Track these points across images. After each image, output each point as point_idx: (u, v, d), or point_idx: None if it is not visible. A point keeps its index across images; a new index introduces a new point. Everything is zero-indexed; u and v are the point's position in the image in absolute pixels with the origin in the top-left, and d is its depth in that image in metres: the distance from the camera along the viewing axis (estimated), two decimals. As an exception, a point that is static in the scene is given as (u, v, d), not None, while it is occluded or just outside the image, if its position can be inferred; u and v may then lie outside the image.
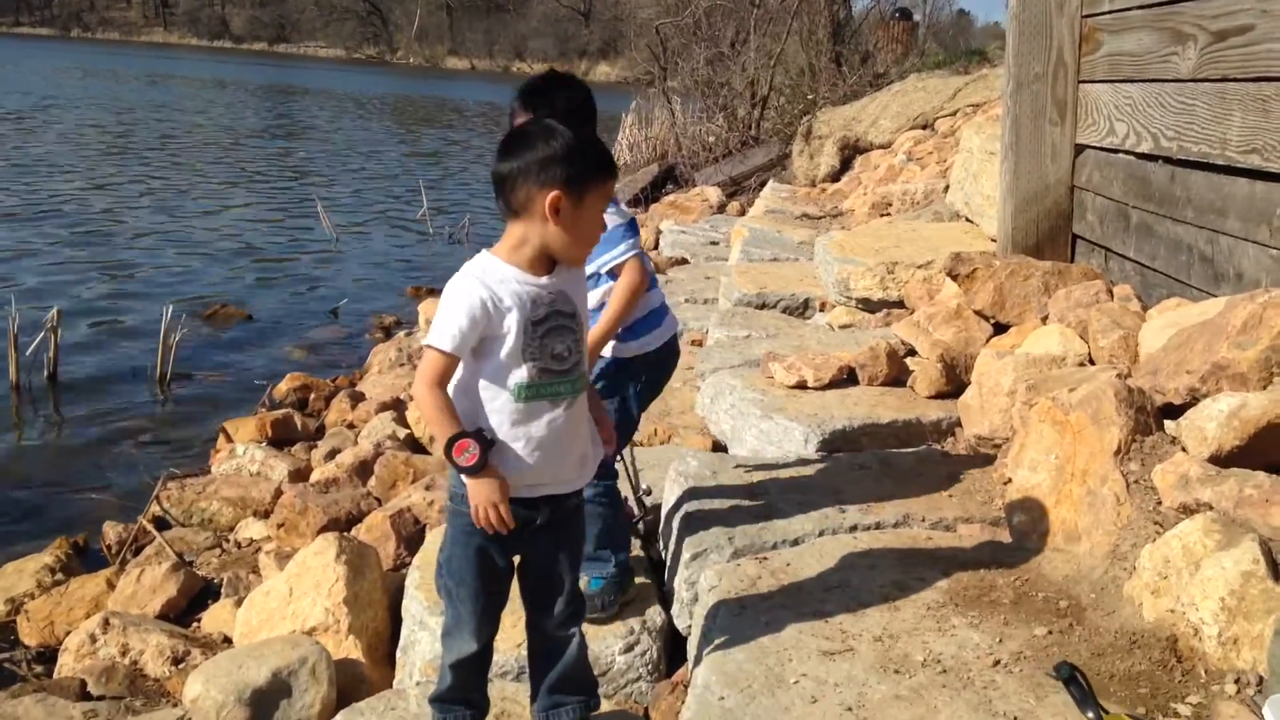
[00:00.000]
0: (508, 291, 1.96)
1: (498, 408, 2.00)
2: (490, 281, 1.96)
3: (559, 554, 2.14)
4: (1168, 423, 2.54)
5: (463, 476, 1.98)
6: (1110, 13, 4.14)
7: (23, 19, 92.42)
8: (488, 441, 1.96)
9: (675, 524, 2.90)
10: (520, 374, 1.98)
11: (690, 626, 2.56)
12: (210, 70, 51.07)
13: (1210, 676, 1.91)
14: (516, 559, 2.14)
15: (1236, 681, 1.87)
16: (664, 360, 2.79)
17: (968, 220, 5.97)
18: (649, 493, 3.32)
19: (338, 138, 24.89)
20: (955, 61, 12.35)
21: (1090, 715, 1.74)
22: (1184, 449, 2.36)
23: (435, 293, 9.44)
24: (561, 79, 2.69)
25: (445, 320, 1.94)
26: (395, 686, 2.80)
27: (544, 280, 2.00)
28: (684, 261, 8.16)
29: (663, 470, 3.30)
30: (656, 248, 9.31)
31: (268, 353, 7.73)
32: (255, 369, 7.24)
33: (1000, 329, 3.98)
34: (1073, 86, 4.37)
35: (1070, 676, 1.79)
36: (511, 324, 1.96)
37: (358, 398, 6.07)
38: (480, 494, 1.96)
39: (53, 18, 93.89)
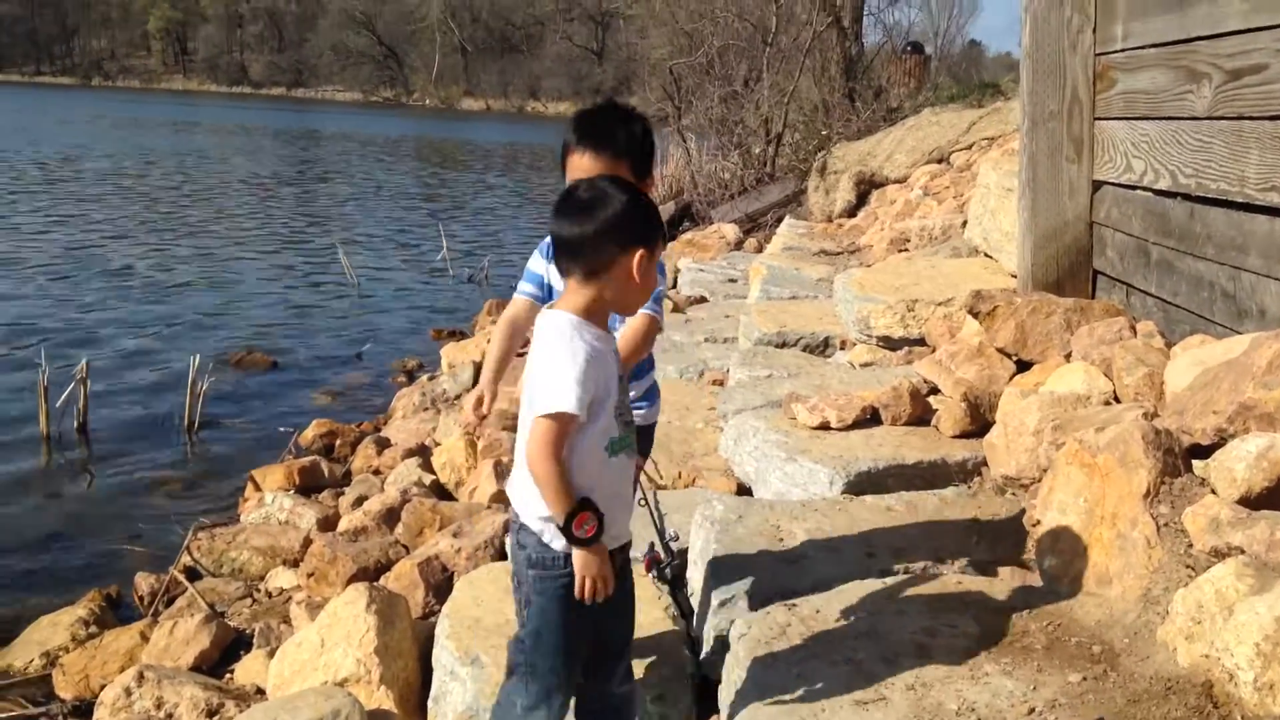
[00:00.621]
0: (603, 347, 2.02)
1: (594, 467, 2.00)
2: (589, 338, 1.99)
3: (629, 609, 2.18)
4: (1196, 463, 2.54)
5: (572, 549, 1.98)
6: (1124, 50, 4.17)
7: (44, 68, 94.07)
8: (599, 512, 1.97)
9: (703, 570, 2.91)
10: (614, 430, 2.03)
11: (720, 675, 2.57)
12: (231, 117, 51.78)
13: (1247, 722, 1.90)
14: None
15: (1274, 727, 1.87)
16: (648, 438, 2.82)
17: (987, 256, 5.98)
18: (675, 538, 3.33)
19: (357, 181, 25.14)
20: (969, 95, 12.40)
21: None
22: (1213, 491, 2.36)
23: (456, 335, 9.52)
24: (620, 112, 2.60)
25: (563, 382, 1.93)
26: (428, 738, 2.82)
27: (607, 336, 2.07)
28: (703, 300, 8.19)
29: (688, 514, 3.32)
30: (675, 286, 9.35)
31: (294, 399, 7.80)
32: (282, 415, 7.30)
33: (1023, 366, 3.99)
34: (1089, 124, 4.40)
35: None
36: (611, 383, 2.02)
37: (383, 443, 6.11)
38: (591, 566, 1.97)
39: (74, 66, 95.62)
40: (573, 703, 2.22)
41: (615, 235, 1.98)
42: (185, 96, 78.64)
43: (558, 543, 2.02)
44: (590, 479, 1.99)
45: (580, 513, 1.93)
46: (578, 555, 1.97)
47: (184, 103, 65.91)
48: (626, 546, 2.18)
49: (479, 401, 2.46)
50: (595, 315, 2.03)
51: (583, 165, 2.45)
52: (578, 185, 2.10)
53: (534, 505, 2.05)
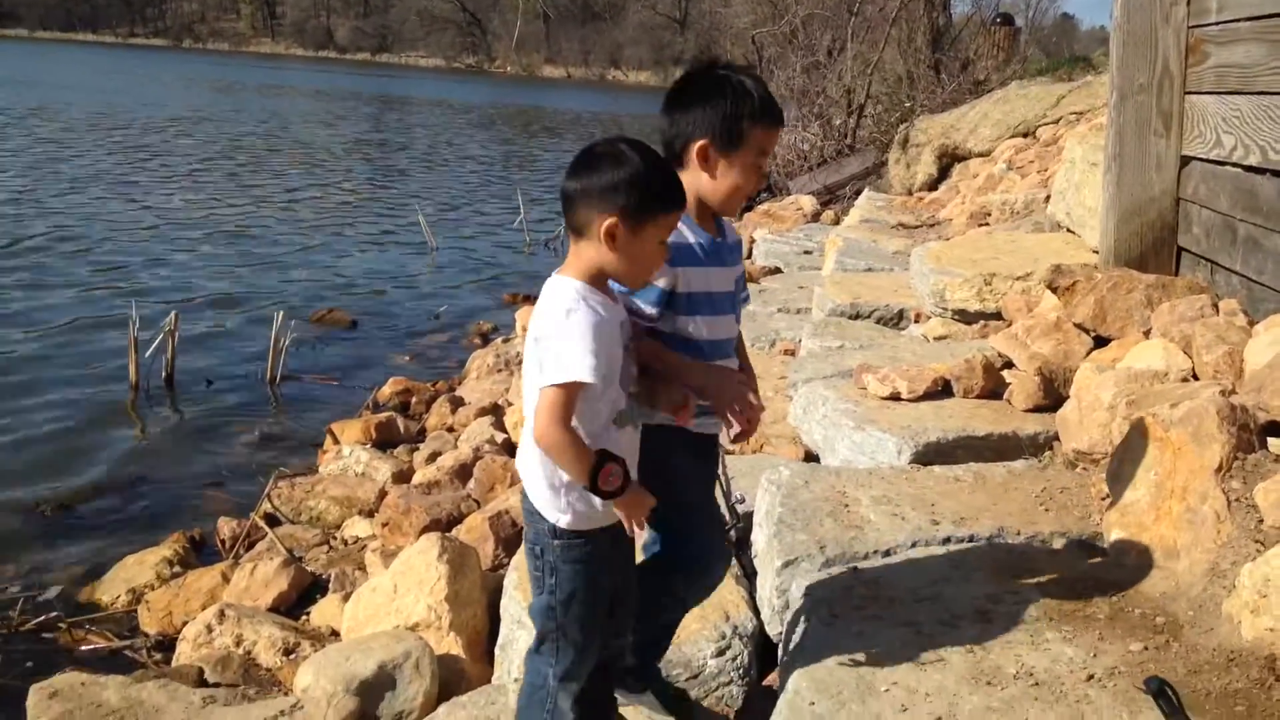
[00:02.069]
0: (608, 314, 1.94)
1: (602, 440, 1.94)
2: (596, 305, 1.92)
3: (631, 567, 2.20)
4: (1271, 440, 2.50)
5: (610, 502, 1.92)
6: (1218, 24, 4.06)
7: (137, 30, 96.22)
8: (619, 457, 1.91)
9: (766, 532, 2.94)
10: (620, 401, 1.98)
11: (781, 633, 2.60)
12: (316, 81, 52.55)
13: (1310, 698, 1.89)
14: None
15: (1337, 703, 1.85)
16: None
17: (1069, 231, 5.89)
18: (741, 500, 3.35)
19: (438, 147, 25.42)
20: (1058, 68, 12.12)
21: (1180, 729, 1.72)
22: (1288, 468, 2.33)
23: (530, 299, 9.62)
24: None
25: (576, 350, 1.86)
26: (494, 682, 2.90)
27: (616, 306, 2.00)
28: (777, 271, 8.17)
29: (755, 479, 3.34)
30: (750, 256, 9.34)
31: (372, 357, 7.98)
32: (361, 372, 7.48)
33: (1101, 343, 3.94)
34: (1178, 98, 4.30)
35: (1160, 690, 1.77)
36: (617, 353, 1.95)
37: (457, 402, 6.23)
38: (636, 507, 1.93)
39: (165, 29, 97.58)
40: None
41: (597, 196, 1.92)
42: (272, 60, 79.96)
43: (564, 519, 2.00)
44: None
45: (603, 466, 1.86)
46: (620, 505, 1.91)
47: (271, 66, 67.05)
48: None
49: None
50: (597, 280, 1.97)
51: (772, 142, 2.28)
52: (598, 142, 2.02)
53: (536, 487, 2.01)
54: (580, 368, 1.84)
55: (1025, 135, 9.74)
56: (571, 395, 1.87)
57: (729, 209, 2.26)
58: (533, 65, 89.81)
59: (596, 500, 1.94)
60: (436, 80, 65.85)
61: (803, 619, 2.41)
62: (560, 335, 1.88)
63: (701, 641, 2.70)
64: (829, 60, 14.74)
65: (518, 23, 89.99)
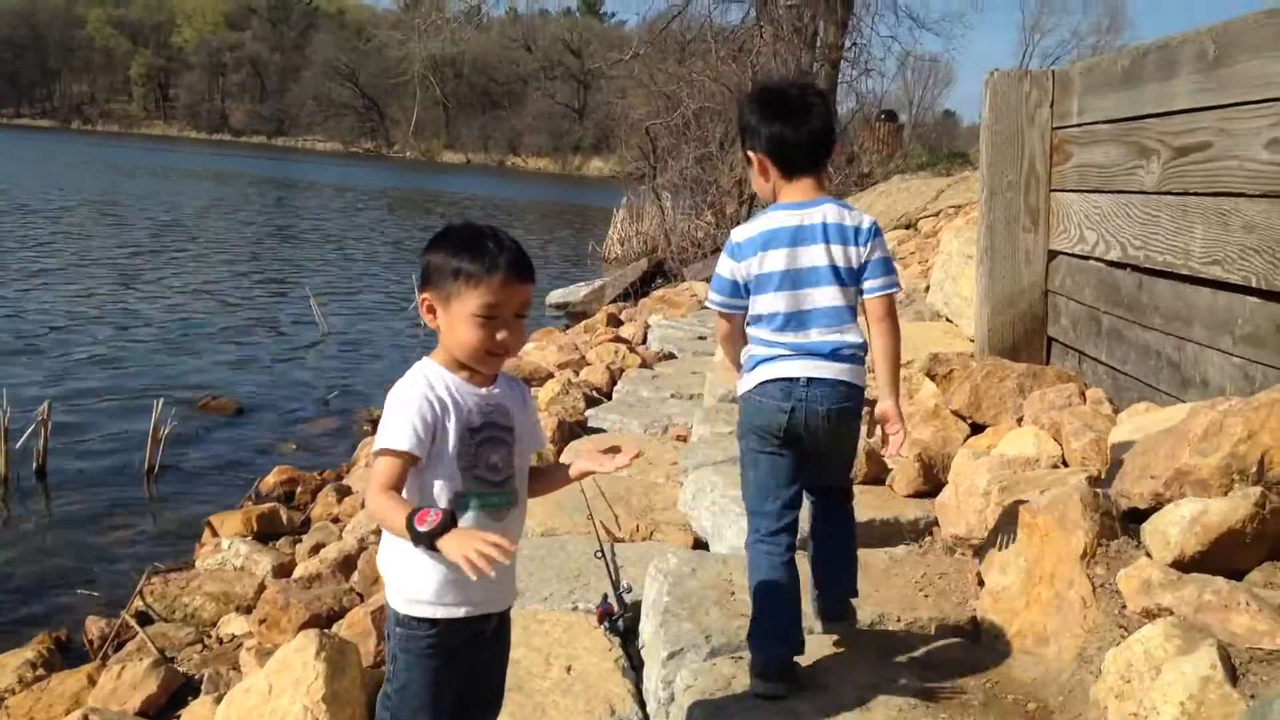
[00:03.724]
0: (446, 395, 1.95)
1: None
2: (433, 382, 1.96)
3: (500, 670, 2.15)
4: (1135, 526, 2.60)
5: (437, 545, 1.76)
6: (1079, 125, 4.31)
7: (23, 110, 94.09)
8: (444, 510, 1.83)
9: (653, 622, 2.93)
10: (457, 483, 1.95)
11: (667, 727, 2.58)
12: (210, 164, 51.88)
13: (1173, 781, 1.94)
14: None
15: (1199, 786, 1.90)
16: (770, 412, 2.54)
17: (948, 320, 6.09)
18: (629, 590, 3.35)
19: (332, 230, 25.20)
20: (938, 163, 12.67)
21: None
22: (1148, 554, 2.42)
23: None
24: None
25: (396, 421, 1.90)
26: (372, 786, 2.80)
27: (481, 390, 2.00)
28: (672, 356, 8.26)
29: (643, 567, 3.34)
30: (645, 342, 9.43)
31: (257, 445, 7.77)
32: (244, 461, 7.27)
33: (977, 429, 4.06)
34: (1045, 195, 4.52)
35: None
36: (450, 428, 1.94)
37: (344, 491, 6.10)
38: (461, 543, 1.72)
39: (53, 110, 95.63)
40: None
41: (422, 276, 1.98)
42: (165, 142, 78.77)
43: (415, 609, 1.97)
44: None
45: (418, 512, 1.78)
46: (444, 545, 1.74)
47: (164, 149, 66.02)
48: (493, 617, 2.08)
49: None
50: (452, 361, 1.99)
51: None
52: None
53: (385, 570, 2.02)
54: (397, 437, 1.88)
55: (908, 227, 10.11)
56: (391, 463, 1.88)
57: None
58: (432, 150, 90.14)
59: (426, 575, 1.93)
60: (334, 164, 65.56)
61: (686, 710, 2.39)
62: (388, 409, 1.94)
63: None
64: (720, 151, 15.15)
65: (415, 109, 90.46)
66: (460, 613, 1.98)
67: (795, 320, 2.45)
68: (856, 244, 2.46)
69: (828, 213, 2.47)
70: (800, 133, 2.50)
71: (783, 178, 2.54)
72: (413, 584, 1.97)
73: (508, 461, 2.02)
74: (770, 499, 2.49)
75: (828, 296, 2.44)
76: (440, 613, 1.97)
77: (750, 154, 2.57)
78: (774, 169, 2.54)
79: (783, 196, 2.54)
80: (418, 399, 1.92)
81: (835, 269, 2.44)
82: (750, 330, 2.55)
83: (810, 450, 2.47)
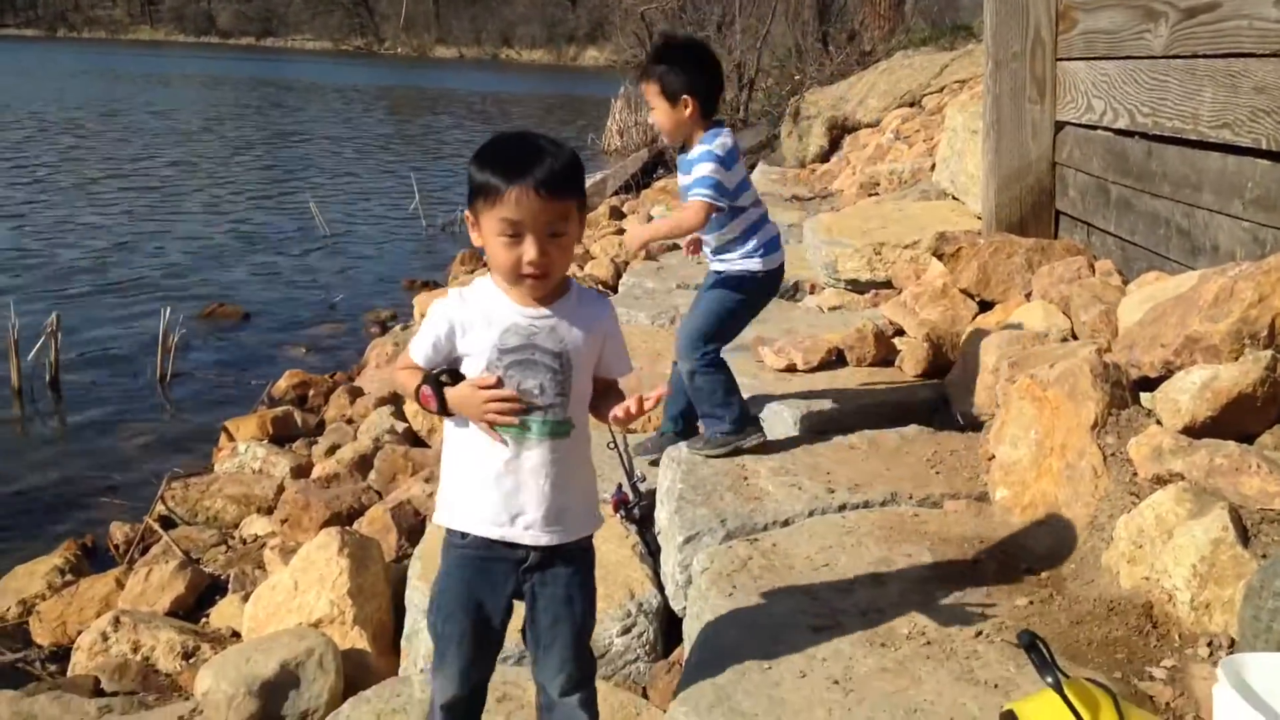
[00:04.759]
0: (481, 313, 1.87)
1: (452, 437, 1.94)
2: (468, 298, 1.89)
3: (559, 607, 1.94)
4: (1144, 395, 2.61)
5: (450, 411, 1.86)
6: (1086, -10, 4.19)
7: (7, 20, 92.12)
8: (442, 374, 1.88)
9: (669, 508, 2.97)
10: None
11: (685, 608, 2.64)
12: (199, 67, 50.98)
13: (1184, 640, 1.98)
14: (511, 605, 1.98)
15: (1209, 645, 1.95)
16: (771, 284, 3.30)
17: (954, 198, 6.03)
18: (643, 479, 3.39)
19: (328, 132, 24.86)
20: (941, 37, 12.36)
21: (1049, 680, 1.68)
22: (1159, 421, 2.43)
23: (429, 285, 9.50)
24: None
25: (421, 332, 1.91)
26: (401, 673, 2.88)
27: (530, 310, 1.86)
28: (676, 247, 8.20)
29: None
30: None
31: (266, 350, 7.78)
32: (255, 366, 7.29)
33: (986, 307, 4.05)
34: (1051, 64, 4.43)
35: (1031, 644, 1.77)
36: (475, 347, 1.87)
37: (356, 393, 6.13)
38: (470, 403, 1.81)
39: (38, 18, 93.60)
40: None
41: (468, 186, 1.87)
42: (153, 47, 77.24)
43: (438, 515, 1.98)
44: (451, 449, 1.95)
45: (420, 387, 1.86)
46: (456, 406, 1.85)
47: (153, 54, 64.76)
48: (576, 550, 1.97)
49: None
50: (498, 275, 1.88)
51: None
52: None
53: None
54: (415, 347, 1.93)
55: (912, 105, 9.92)
56: (409, 362, 1.94)
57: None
58: (424, 46, 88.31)
59: (445, 484, 1.96)
60: (325, 64, 64.30)
61: (704, 591, 2.44)
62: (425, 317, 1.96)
63: (607, 620, 2.71)
64: (718, 34, 14.82)
65: (404, 3, 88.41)
66: (472, 528, 1.91)
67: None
68: None
69: None
70: None
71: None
72: (441, 491, 1.99)
73: (547, 389, 1.86)
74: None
75: None
76: (457, 523, 1.94)
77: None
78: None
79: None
80: (440, 314, 1.90)
81: None
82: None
83: None
